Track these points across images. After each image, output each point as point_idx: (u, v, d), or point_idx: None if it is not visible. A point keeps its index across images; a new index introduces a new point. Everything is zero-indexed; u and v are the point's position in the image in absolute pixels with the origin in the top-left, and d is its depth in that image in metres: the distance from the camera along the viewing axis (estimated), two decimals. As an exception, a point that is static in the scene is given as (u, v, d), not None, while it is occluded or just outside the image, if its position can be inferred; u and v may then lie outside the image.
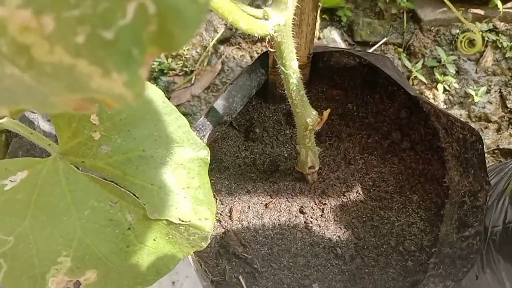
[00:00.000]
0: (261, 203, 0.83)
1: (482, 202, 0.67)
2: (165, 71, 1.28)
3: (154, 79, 1.31)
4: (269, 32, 0.48)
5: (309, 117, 0.58)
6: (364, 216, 0.82)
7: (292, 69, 0.52)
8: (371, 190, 0.83)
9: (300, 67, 0.55)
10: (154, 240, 0.53)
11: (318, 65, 0.83)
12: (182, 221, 0.51)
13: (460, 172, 0.74)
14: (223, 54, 1.35)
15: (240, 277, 0.78)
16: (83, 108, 0.23)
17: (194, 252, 0.78)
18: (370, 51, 1.30)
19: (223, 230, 0.82)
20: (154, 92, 0.55)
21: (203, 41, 1.36)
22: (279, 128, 0.88)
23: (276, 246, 0.81)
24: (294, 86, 0.54)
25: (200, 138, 0.70)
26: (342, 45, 1.29)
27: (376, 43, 1.32)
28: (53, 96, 0.22)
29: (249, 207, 0.83)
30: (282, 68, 0.52)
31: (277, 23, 0.47)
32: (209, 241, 0.54)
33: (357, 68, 0.85)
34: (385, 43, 1.34)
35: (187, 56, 1.31)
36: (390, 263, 0.79)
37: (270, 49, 0.64)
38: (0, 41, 0.19)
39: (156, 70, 1.29)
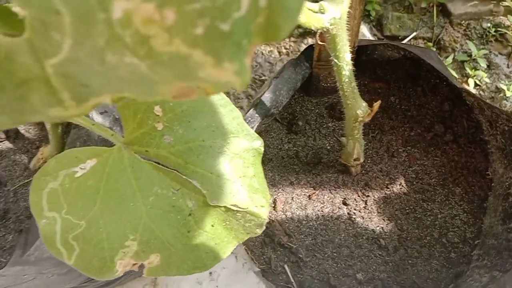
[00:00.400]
0: (304, 194, 0.85)
1: (529, 194, 0.67)
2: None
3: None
4: (324, 25, 0.49)
5: (360, 109, 0.60)
6: (407, 208, 0.83)
7: (345, 61, 0.54)
8: (414, 183, 0.84)
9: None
10: (212, 226, 0.55)
11: (361, 58, 0.85)
12: (240, 208, 0.53)
13: (504, 165, 0.75)
14: None
15: (286, 266, 0.80)
16: (184, 95, 0.25)
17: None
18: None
19: (268, 220, 0.84)
20: (210, 85, 0.57)
21: None
22: (321, 121, 0.89)
23: (319, 236, 0.83)
24: (346, 78, 0.55)
25: (250, 130, 0.72)
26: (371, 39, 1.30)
27: (405, 37, 1.32)
28: (162, 84, 0.24)
29: (292, 198, 0.85)
30: (336, 61, 0.54)
31: (333, 16, 0.49)
32: (264, 228, 0.56)
33: (399, 61, 0.86)
34: (415, 38, 1.34)
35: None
36: (433, 254, 0.80)
37: (320, 43, 0.66)
38: (125, 32, 0.21)
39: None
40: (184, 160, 0.53)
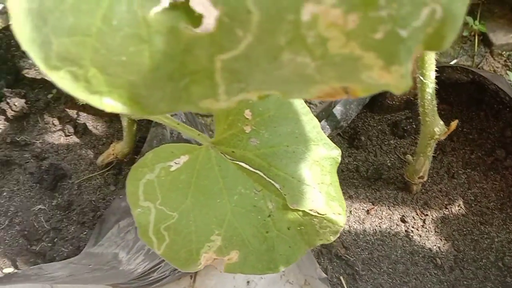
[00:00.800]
0: (363, 208, 0.87)
1: None
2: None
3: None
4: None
5: (437, 127, 0.62)
6: (464, 229, 0.84)
7: (430, 79, 0.55)
8: (473, 205, 0.85)
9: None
10: (288, 229, 0.57)
11: (428, 80, 0.86)
12: (318, 213, 0.55)
13: None
14: None
15: (341, 277, 0.82)
16: (330, 95, 0.28)
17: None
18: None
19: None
20: (295, 94, 0.59)
21: None
22: (383, 138, 0.91)
23: (376, 251, 0.84)
24: (429, 95, 0.57)
25: (321, 141, 0.74)
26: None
27: (446, 64, 1.33)
28: (320, 84, 0.27)
29: (350, 211, 0.87)
30: (421, 78, 0.56)
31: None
32: (338, 235, 0.58)
33: (464, 85, 0.87)
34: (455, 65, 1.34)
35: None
36: (488, 277, 0.80)
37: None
38: (309, 33, 0.24)
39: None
40: (268, 163, 0.56)
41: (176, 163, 0.53)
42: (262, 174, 0.55)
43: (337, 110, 0.75)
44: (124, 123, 0.80)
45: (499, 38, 1.33)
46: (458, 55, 1.35)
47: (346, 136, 0.92)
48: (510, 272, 0.80)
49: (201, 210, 0.52)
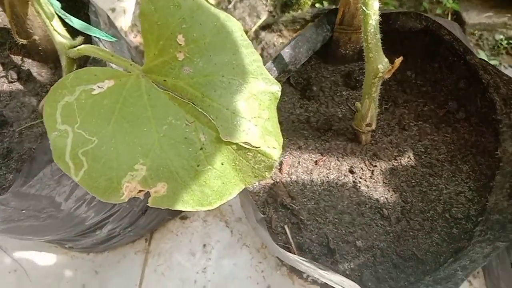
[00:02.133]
0: (311, 159, 0.85)
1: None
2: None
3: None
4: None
5: (381, 64, 0.59)
6: (413, 181, 0.83)
7: (373, 9, 0.53)
8: (423, 157, 0.84)
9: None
10: (222, 164, 0.54)
11: (382, 28, 0.84)
12: (252, 146, 0.53)
13: (516, 143, 0.75)
14: (264, 40, 1.36)
15: (286, 226, 0.80)
16: None
17: (244, 198, 0.81)
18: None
19: (273, 181, 0.83)
20: (233, 23, 0.56)
21: (245, 25, 1.37)
22: (335, 89, 0.89)
23: (323, 201, 0.82)
24: (372, 28, 0.55)
25: (266, 82, 0.72)
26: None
27: None
28: None
29: (299, 162, 0.85)
30: (364, 8, 0.54)
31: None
32: (273, 171, 0.56)
33: (419, 35, 0.86)
34: None
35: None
36: (435, 228, 0.80)
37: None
38: None
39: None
40: (202, 93, 0.53)
41: (99, 87, 0.49)
42: (194, 105, 0.52)
43: (286, 52, 0.72)
44: (63, 62, 0.75)
45: (472, 17, 1.32)
46: None
47: (299, 87, 0.89)
48: (456, 223, 0.80)
49: (125, 137, 0.49)
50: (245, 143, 0.53)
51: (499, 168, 0.80)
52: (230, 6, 1.40)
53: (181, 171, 0.52)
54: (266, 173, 0.56)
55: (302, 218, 0.81)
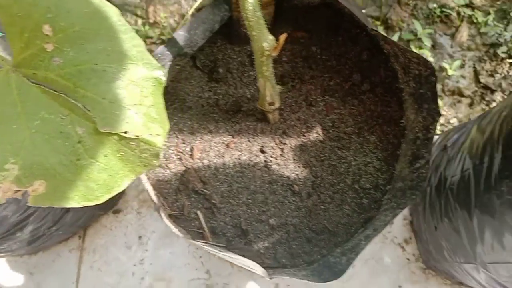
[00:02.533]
0: (222, 142, 0.84)
1: (432, 134, 0.69)
2: (142, 39, 1.27)
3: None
4: None
5: (266, 42, 0.59)
6: (322, 155, 0.83)
7: (247, -15, 0.52)
8: (331, 131, 0.85)
9: (264, 4, 0.55)
10: (105, 156, 0.53)
11: (283, 5, 0.84)
12: (133, 135, 0.52)
13: (415, 109, 0.76)
14: None
15: (199, 212, 0.79)
16: None
17: (153, 187, 0.79)
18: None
19: (184, 168, 0.82)
20: (109, 9, 0.54)
21: (181, 9, 1.34)
22: (243, 70, 0.88)
23: (235, 183, 0.82)
24: (250, 5, 0.54)
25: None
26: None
27: None
28: None
29: (210, 146, 0.84)
30: (237, -15, 0.52)
31: None
32: (160, 158, 0.55)
33: (321, 10, 0.86)
34: None
35: (165, 24, 1.29)
36: (345, 200, 0.81)
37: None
38: None
39: (133, 38, 1.27)
40: (74, 83, 0.50)
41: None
42: (67, 97, 0.50)
43: (180, 35, 0.70)
44: None
45: None
46: (366, 6, 1.35)
47: (206, 70, 0.88)
48: (366, 194, 0.81)
49: (-9, 137, 0.47)
50: (124, 132, 0.51)
51: (404, 136, 0.82)
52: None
53: (59, 167, 0.50)
54: (154, 161, 0.55)
55: (215, 202, 0.80)
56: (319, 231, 0.79)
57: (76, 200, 0.53)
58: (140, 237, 1.16)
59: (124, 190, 0.72)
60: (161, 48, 0.69)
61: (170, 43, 0.69)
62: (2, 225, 0.89)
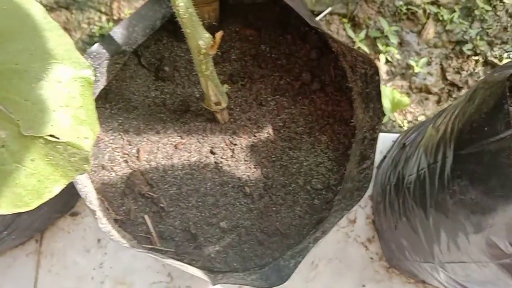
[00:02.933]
0: (170, 143, 0.82)
1: (377, 133, 0.68)
2: (105, 36, 1.25)
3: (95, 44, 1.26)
4: None
5: (201, 39, 0.56)
6: (273, 156, 0.82)
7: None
8: (281, 131, 0.83)
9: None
10: (33, 160, 0.50)
11: (228, 1, 0.82)
12: (58, 138, 0.49)
13: (363, 109, 0.75)
14: None
15: (146, 216, 0.77)
16: None
17: (97, 191, 0.76)
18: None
19: (130, 170, 0.79)
20: (33, 6, 0.51)
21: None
22: (191, 68, 0.86)
23: (185, 186, 0.80)
24: (180, 1, 0.51)
25: (96, 66, 0.67)
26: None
27: (320, 12, 1.32)
28: None
29: (158, 148, 0.81)
30: (167, -21, 0.50)
31: None
32: (91, 163, 0.52)
33: (269, 7, 0.84)
34: (330, 13, 1.35)
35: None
36: (297, 201, 0.79)
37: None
38: None
39: (97, 34, 1.24)
40: (-7, 84, 0.48)
41: None
42: (-14, 98, 0.47)
43: (116, 32, 0.67)
44: None
45: None
46: (333, 3, 1.35)
47: (152, 68, 0.85)
48: (317, 194, 0.80)
49: None
50: (51, 136, 0.49)
51: (354, 136, 0.80)
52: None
53: (-19, 174, 0.47)
54: (85, 165, 0.52)
55: (163, 205, 0.78)
56: (271, 234, 0.77)
57: (4, 207, 0.50)
58: (99, 240, 1.14)
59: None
60: (96, 46, 0.66)
61: (106, 40, 0.67)
62: None
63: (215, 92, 0.68)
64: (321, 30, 0.70)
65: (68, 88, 0.51)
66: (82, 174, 0.54)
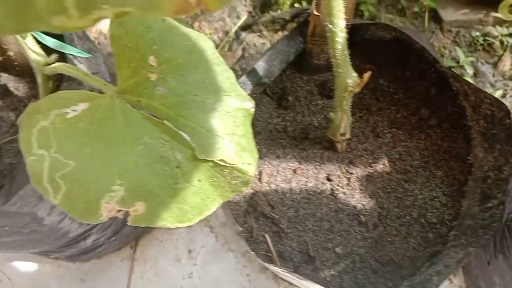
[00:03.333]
0: (289, 168, 0.87)
1: (507, 174, 0.69)
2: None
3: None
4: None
5: (350, 78, 0.61)
6: (388, 187, 0.85)
7: (339, 27, 0.55)
8: (397, 163, 0.86)
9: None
10: (199, 181, 0.56)
11: (354, 38, 0.86)
12: (227, 163, 0.54)
13: (485, 148, 0.77)
14: (244, 40, 1.38)
15: (267, 235, 0.81)
16: (184, 10, 0.26)
17: (224, 208, 0.82)
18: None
19: (252, 191, 0.85)
20: (206, 43, 0.58)
21: (226, 26, 1.39)
22: (311, 98, 0.91)
23: (302, 209, 0.84)
24: (339, 45, 0.56)
25: (242, 96, 0.73)
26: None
27: None
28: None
29: (278, 171, 0.86)
30: (330, 26, 0.55)
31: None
32: (249, 186, 0.57)
33: (390, 44, 0.88)
34: None
35: (210, 41, 1.34)
36: (411, 233, 0.82)
37: (316, 13, 0.67)
38: None
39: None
40: (176, 112, 0.54)
41: (73, 110, 0.50)
42: (169, 124, 0.54)
43: (259, 66, 0.74)
44: (39, 79, 0.76)
45: (448, 14, 1.35)
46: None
47: (275, 97, 0.91)
48: (431, 228, 0.82)
49: (101, 159, 0.50)
50: (220, 160, 0.54)
51: (471, 173, 0.82)
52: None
53: (159, 190, 0.53)
54: (243, 188, 0.58)
55: (282, 226, 0.82)
56: (385, 263, 0.80)
57: (170, 222, 0.55)
58: (190, 251, 1.19)
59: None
60: (243, 78, 0.72)
61: (251, 73, 0.73)
62: (68, 235, 0.93)
63: (346, 124, 0.72)
64: (448, 69, 0.73)
65: (233, 118, 0.57)
66: (238, 194, 0.59)
